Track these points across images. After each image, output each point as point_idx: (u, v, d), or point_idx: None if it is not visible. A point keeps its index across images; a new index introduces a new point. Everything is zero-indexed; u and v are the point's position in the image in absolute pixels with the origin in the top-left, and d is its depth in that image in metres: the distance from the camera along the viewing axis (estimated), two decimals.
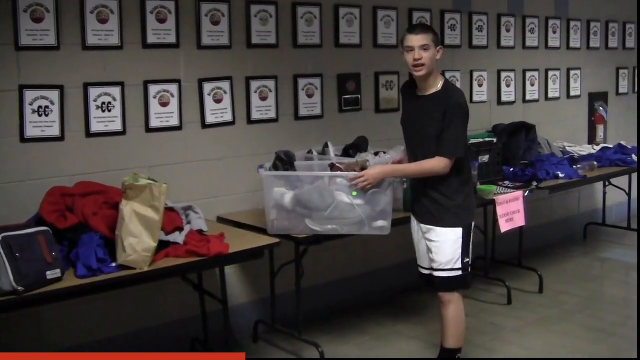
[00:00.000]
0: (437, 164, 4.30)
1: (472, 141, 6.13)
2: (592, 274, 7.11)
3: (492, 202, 5.71)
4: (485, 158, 6.15)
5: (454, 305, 4.47)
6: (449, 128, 4.26)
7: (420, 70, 4.26)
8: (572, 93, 8.12)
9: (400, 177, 4.79)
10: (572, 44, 8.07)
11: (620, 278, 7.04)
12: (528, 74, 7.53)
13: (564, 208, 8.13)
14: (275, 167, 5.00)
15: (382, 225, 4.73)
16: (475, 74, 7.00)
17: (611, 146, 7.84)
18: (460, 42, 6.82)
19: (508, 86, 7.29)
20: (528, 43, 7.51)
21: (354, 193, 4.64)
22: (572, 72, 8.10)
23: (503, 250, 6.86)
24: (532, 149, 6.90)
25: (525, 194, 5.93)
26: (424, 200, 4.46)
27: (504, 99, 7.26)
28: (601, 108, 8.48)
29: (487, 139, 6.30)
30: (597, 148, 7.77)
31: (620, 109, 8.85)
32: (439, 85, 4.33)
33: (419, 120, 4.39)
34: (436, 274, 4.46)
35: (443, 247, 4.40)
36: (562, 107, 7.99)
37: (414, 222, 4.62)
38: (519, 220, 5.85)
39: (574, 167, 6.87)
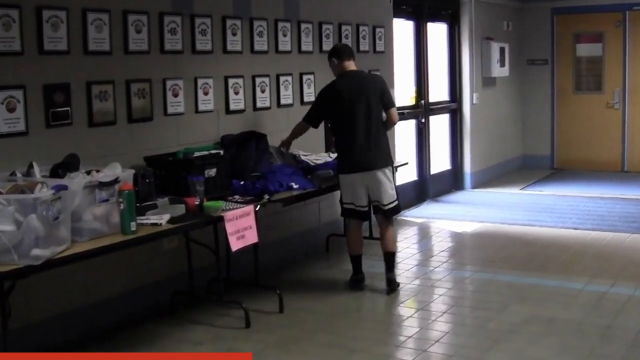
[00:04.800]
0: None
1: (197, 154, 5.76)
2: (336, 288, 6.76)
3: (222, 219, 5.31)
4: (212, 172, 5.77)
5: None
6: None
7: None
8: (306, 99, 7.82)
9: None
10: (304, 47, 7.84)
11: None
12: (258, 80, 7.17)
13: (304, 220, 7.86)
14: None
15: (37, 254, 4.30)
16: (200, 82, 6.51)
17: None
18: (182, 47, 6.32)
19: (237, 93, 6.87)
20: (257, 47, 7.14)
21: None
22: (305, 77, 7.85)
23: (240, 269, 6.43)
24: (263, 159, 6.54)
25: (257, 209, 5.62)
26: None
27: (232, 107, 6.84)
28: None
29: (212, 152, 5.93)
30: (334, 156, 7.52)
31: None
32: None
33: None
34: None
35: None
36: (296, 113, 7.65)
37: None
38: (251, 237, 5.56)
39: (309, 176, 6.64)
